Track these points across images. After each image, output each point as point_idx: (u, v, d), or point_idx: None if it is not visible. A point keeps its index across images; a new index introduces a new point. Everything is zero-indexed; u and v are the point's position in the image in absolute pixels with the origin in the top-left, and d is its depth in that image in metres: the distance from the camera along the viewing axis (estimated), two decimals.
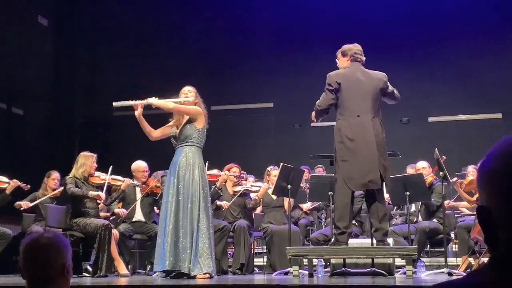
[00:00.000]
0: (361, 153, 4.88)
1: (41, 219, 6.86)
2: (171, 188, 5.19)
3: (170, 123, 5.47)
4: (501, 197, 0.99)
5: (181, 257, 5.00)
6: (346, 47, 5.22)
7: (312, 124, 10.07)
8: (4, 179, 6.76)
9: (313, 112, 5.26)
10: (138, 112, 5.24)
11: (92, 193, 6.21)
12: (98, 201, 6.48)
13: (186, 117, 5.37)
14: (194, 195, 5.12)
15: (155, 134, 5.41)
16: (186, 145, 5.28)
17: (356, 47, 5.20)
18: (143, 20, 10.89)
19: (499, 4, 9.86)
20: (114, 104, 5.29)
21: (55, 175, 7.18)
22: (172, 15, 10.91)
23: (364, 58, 5.21)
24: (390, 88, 5.18)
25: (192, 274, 4.94)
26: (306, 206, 7.44)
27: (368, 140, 4.91)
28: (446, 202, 6.58)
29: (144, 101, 5.25)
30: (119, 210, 6.94)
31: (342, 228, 4.95)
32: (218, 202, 6.83)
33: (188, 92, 5.40)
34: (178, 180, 5.17)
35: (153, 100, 5.26)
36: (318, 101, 5.14)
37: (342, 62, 5.22)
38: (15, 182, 6.77)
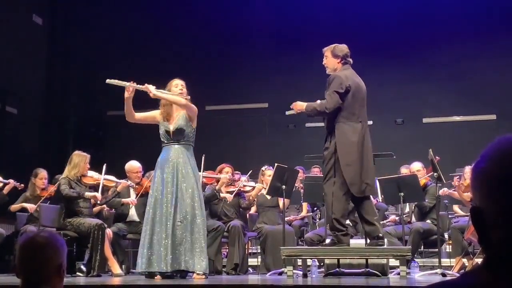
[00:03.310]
0: (363, 159, 4.94)
1: (34, 219, 6.83)
2: (167, 186, 5.07)
3: (154, 112, 5.32)
4: (493, 198, 0.99)
5: (180, 256, 4.94)
6: (337, 48, 5.11)
7: (307, 125, 10.14)
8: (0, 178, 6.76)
9: (301, 104, 5.17)
10: (128, 95, 5.06)
11: (89, 194, 6.18)
12: (93, 201, 6.48)
13: (180, 113, 5.25)
14: (194, 194, 5.07)
15: (137, 116, 5.25)
16: (183, 144, 5.21)
17: (346, 49, 5.13)
18: (138, 20, 10.86)
19: (493, 6, 9.89)
20: (107, 81, 5.05)
21: (43, 173, 7.07)
22: (167, 15, 10.89)
23: (351, 60, 5.18)
24: None
25: (190, 269, 4.93)
26: (303, 213, 7.48)
27: (368, 146, 5.01)
28: (441, 191, 6.54)
29: (142, 87, 5.09)
30: (128, 199, 6.78)
31: (345, 229, 5.00)
32: (222, 195, 6.82)
33: (182, 88, 5.26)
34: (177, 179, 5.06)
35: (153, 89, 5.09)
36: (324, 102, 4.96)
37: (331, 63, 5.12)
38: (12, 182, 6.77)
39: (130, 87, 5.05)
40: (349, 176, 4.90)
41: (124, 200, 6.80)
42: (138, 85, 5.09)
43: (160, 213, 5.05)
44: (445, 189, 6.74)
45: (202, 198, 5.26)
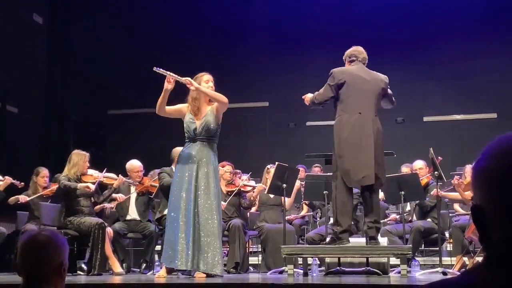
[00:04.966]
0: (357, 150, 4.90)
1: (35, 218, 6.84)
2: (187, 183, 4.93)
3: (181, 106, 5.16)
4: (493, 196, 0.99)
5: (200, 256, 4.83)
6: (345, 53, 5.32)
7: (308, 124, 10.15)
8: None
9: (310, 96, 5.25)
10: (169, 86, 4.94)
11: (81, 184, 6.15)
12: (93, 199, 6.48)
13: (208, 108, 5.12)
14: (214, 194, 4.95)
15: (167, 110, 5.08)
16: (209, 142, 5.07)
17: (353, 49, 5.29)
18: (138, 20, 10.87)
19: (493, 5, 9.89)
20: (155, 69, 4.97)
21: (44, 172, 7.09)
22: (167, 15, 10.90)
23: (363, 56, 5.24)
24: (389, 91, 5.23)
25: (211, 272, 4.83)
26: (303, 212, 7.49)
27: (366, 137, 4.93)
28: (433, 191, 6.42)
29: (184, 79, 4.98)
30: (117, 195, 6.75)
31: (345, 226, 4.96)
32: None
33: (211, 82, 5.15)
34: (198, 176, 4.94)
35: (195, 83, 4.98)
36: (316, 93, 5.15)
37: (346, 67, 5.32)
38: (9, 179, 6.77)
39: (171, 78, 4.95)
40: (341, 167, 4.91)
41: (114, 195, 6.75)
42: (180, 77, 4.99)
43: (181, 211, 4.93)
44: (434, 190, 6.37)
45: (219, 200, 5.08)
